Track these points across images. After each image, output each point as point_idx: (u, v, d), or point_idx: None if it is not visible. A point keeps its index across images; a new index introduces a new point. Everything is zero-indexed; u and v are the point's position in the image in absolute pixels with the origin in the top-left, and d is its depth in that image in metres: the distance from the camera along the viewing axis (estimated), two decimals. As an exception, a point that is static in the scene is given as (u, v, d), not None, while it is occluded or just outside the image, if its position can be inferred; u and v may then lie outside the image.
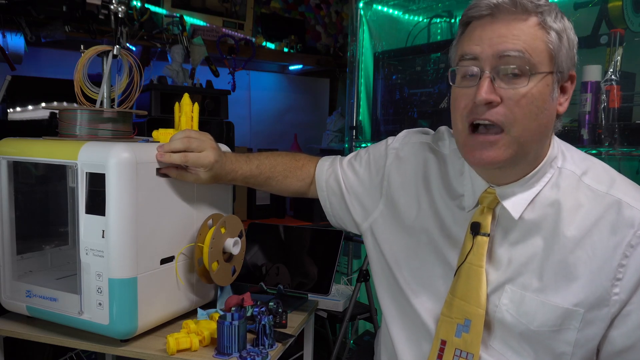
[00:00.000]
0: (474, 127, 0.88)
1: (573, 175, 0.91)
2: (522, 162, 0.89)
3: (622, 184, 0.90)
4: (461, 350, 0.94)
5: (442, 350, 0.96)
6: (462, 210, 0.99)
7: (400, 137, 1.16)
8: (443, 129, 1.11)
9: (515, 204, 0.91)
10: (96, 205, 1.08)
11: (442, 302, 0.98)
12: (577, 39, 0.89)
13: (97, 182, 1.07)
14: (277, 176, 1.25)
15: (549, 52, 0.84)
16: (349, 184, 1.20)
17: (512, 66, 0.83)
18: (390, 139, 1.17)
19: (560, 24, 0.86)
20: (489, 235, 0.93)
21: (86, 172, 1.08)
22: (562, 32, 0.86)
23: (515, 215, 0.91)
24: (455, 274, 0.97)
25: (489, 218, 0.94)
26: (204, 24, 2.58)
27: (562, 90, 0.89)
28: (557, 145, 0.95)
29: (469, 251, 0.94)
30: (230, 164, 1.20)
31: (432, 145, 1.09)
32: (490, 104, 0.84)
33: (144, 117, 2.03)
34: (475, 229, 0.94)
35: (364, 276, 2.04)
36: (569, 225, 0.88)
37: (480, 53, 0.85)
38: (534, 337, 0.90)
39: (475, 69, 0.85)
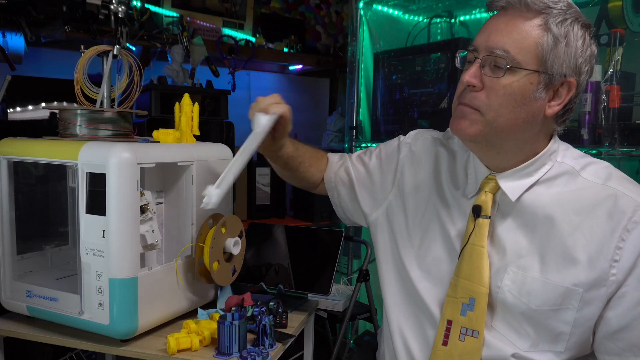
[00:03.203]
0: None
1: (572, 169, 0.97)
2: (503, 148, 0.96)
3: (618, 177, 0.95)
4: (467, 328, 0.99)
5: (448, 330, 1.01)
6: (466, 198, 1.05)
7: (412, 134, 1.22)
8: None
9: (513, 187, 0.97)
10: (96, 205, 1.08)
11: (446, 287, 1.03)
12: (589, 50, 0.92)
13: (97, 182, 1.07)
14: (305, 163, 1.26)
15: (537, 52, 0.89)
16: (358, 176, 1.24)
17: (496, 59, 0.90)
18: (401, 137, 1.23)
19: (563, 29, 0.89)
20: (489, 217, 0.99)
21: (86, 172, 1.08)
22: (562, 37, 0.89)
23: (512, 197, 0.97)
24: (459, 256, 1.02)
25: (490, 202, 1.00)
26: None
27: (555, 94, 0.93)
28: (558, 143, 1.00)
29: (471, 232, 1.00)
30: (287, 136, 1.17)
31: (443, 141, 1.15)
32: (474, 88, 0.92)
33: (144, 117, 2.03)
34: (477, 211, 1.00)
35: (364, 276, 2.04)
36: (567, 211, 0.93)
37: (478, 44, 0.94)
38: (534, 316, 0.94)
39: (472, 56, 0.95)
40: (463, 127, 0.95)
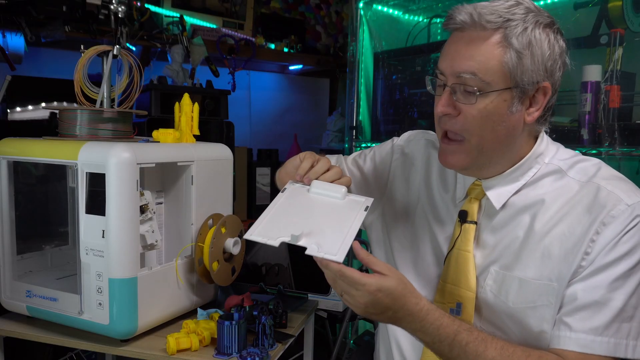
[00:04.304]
0: (445, 132, 0.96)
1: (559, 169, 0.96)
2: (492, 163, 0.96)
3: (605, 174, 0.93)
4: None
5: None
6: (454, 202, 1.05)
7: (405, 136, 1.21)
8: None
9: (498, 195, 0.97)
10: (96, 205, 1.08)
11: (434, 291, 1.03)
12: (557, 47, 0.90)
13: (97, 182, 1.07)
14: None
15: (504, 71, 0.88)
16: (354, 179, 1.23)
17: (465, 85, 0.89)
18: (395, 139, 1.23)
19: (524, 39, 0.87)
20: (476, 223, 0.99)
21: (86, 172, 1.08)
22: (525, 48, 0.87)
23: (497, 205, 0.97)
24: (445, 261, 1.02)
25: (476, 208, 1.00)
26: (204, 23, 2.59)
27: (532, 101, 0.92)
28: (546, 143, 0.99)
29: (457, 237, 1.00)
30: None
31: (436, 143, 1.14)
32: (450, 115, 0.93)
33: (144, 117, 2.03)
34: (463, 216, 1.00)
35: (364, 276, 2.04)
36: (548, 210, 0.93)
37: (444, 69, 0.93)
38: (514, 315, 0.94)
39: (441, 82, 0.94)
40: (452, 162, 0.96)
